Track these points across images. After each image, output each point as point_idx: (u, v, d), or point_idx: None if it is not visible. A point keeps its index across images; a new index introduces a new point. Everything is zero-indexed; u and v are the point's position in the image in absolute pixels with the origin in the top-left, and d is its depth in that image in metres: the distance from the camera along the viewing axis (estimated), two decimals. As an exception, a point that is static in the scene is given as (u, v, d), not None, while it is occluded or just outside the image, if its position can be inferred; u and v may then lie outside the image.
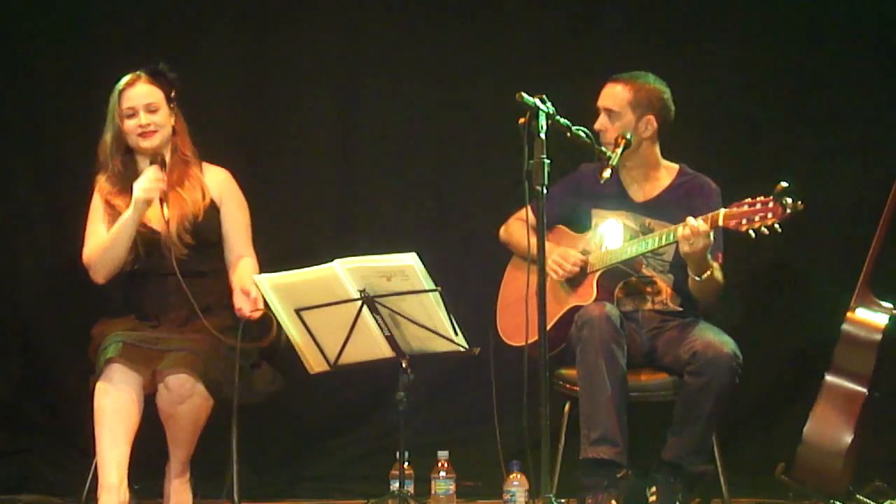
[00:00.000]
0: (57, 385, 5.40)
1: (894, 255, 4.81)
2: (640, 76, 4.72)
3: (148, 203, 4.56)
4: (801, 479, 4.63)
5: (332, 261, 4.26)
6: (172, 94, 4.73)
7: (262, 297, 4.41)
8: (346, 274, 4.24)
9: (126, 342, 4.43)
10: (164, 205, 4.61)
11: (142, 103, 4.68)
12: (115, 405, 4.38)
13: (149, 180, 4.56)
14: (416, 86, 5.61)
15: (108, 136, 4.72)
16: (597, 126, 4.67)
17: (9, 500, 5.05)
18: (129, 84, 4.70)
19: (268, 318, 4.47)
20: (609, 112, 4.69)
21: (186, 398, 4.41)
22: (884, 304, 4.68)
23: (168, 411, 4.44)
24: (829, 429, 4.61)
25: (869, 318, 4.65)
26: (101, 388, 4.41)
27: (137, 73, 4.72)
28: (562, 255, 4.69)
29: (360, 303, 4.26)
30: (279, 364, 4.72)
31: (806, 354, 5.33)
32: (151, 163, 4.63)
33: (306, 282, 4.28)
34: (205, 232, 4.70)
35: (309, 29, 5.61)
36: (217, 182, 4.81)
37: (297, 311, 4.31)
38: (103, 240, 4.66)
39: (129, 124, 4.69)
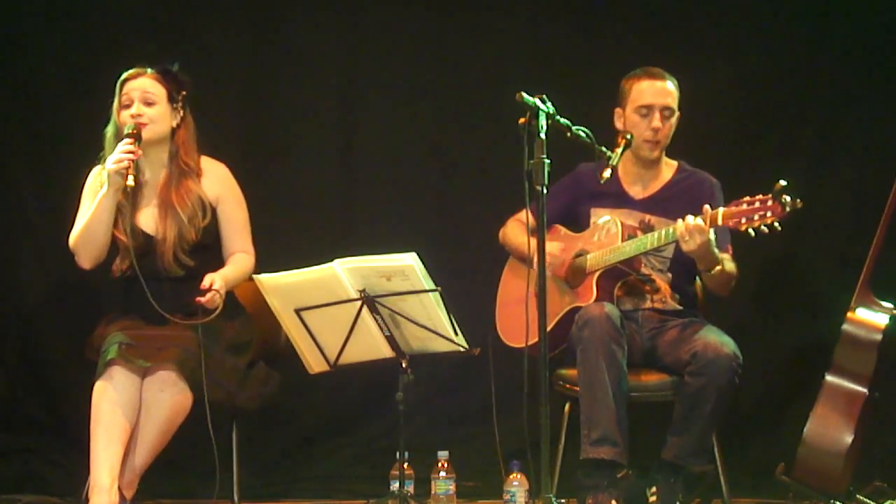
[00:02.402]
0: (57, 385, 5.40)
1: (894, 255, 4.80)
2: (665, 72, 4.71)
3: (120, 175, 4.46)
4: (801, 480, 4.62)
5: (332, 261, 4.26)
6: (181, 94, 4.67)
7: (225, 292, 4.52)
8: (346, 274, 4.24)
9: (123, 343, 4.42)
10: (165, 213, 4.59)
11: (138, 94, 4.62)
12: (112, 406, 4.37)
13: (119, 153, 4.48)
14: (416, 85, 5.62)
15: (109, 130, 4.66)
16: (655, 125, 4.63)
17: (9, 499, 5.04)
18: (132, 76, 4.65)
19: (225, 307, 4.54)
20: (665, 110, 4.66)
21: (168, 388, 4.39)
22: (884, 304, 4.68)
23: (147, 397, 4.41)
24: (830, 429, 4.60)
25: (869, 318, 4.64)
26: (100, 387, 4.40)
27: (144, 67, 4.67)
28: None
29: (360, 303, 4.26)
30: (276, 364, 4.72)
31: (806, 354, 5.33)
32: (125, 134, 4.53)
33: (306, 282, 4.28)
34: (201, 241, 4.66)
35: (309, 28, 5.61)
36: (215, 180, 4.74)
37: (297, 311, 4.31)
38: (84, 220, 4.60)
39: (124, 115, 4.62)
